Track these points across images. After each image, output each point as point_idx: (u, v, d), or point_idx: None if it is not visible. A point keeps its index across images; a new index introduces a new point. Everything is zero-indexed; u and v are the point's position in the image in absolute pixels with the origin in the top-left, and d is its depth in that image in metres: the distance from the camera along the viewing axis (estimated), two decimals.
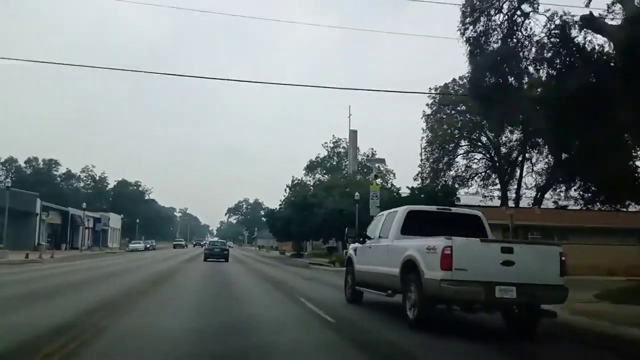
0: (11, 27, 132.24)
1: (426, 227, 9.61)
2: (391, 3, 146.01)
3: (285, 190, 62.05)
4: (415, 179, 44.67)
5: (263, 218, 74.34)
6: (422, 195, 30.22)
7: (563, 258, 8.15)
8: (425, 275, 8.23)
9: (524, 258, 7.99)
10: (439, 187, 37.18)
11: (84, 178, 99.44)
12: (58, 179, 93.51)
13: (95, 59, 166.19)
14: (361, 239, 11.96)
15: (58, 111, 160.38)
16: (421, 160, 44.65)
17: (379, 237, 10.84)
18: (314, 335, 8.22)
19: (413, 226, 9.98)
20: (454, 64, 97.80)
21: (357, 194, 31.78)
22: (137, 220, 79.73)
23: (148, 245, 66.68)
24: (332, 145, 67.30)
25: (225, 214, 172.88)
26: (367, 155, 63.00)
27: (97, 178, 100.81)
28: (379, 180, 42.24)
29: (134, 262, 31.40)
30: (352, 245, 12.89)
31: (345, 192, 38.68)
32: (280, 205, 57.46)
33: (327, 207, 38.45)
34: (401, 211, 10.42)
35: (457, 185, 42.56)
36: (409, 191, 33.86)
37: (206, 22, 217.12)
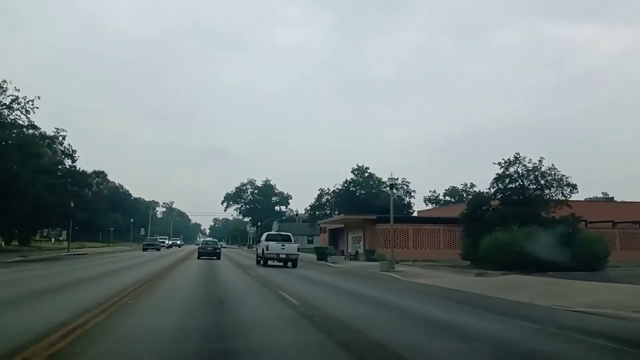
0: None
1: (275, 237, 32.77)
2: None
3: None
4: None
5: None
6: None
7: (298, 246, 31.51)
8: (265, 251, 31.25)
9: (288, 246, 31.17)
10: None
11: None
12: None
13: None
14: (258, 242, 35.07)
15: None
16: None
17: (261, 241, 33.92)
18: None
19: (270, 238, 32.90)
20: None
21: None
22: None
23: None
24: None
25: (223, 202, 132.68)
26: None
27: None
28: None
29: None
30: (258, 244, 35.98)
31: None
32: None
33: None
34: (265, 234, 33.74)
35: None
36: None
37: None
